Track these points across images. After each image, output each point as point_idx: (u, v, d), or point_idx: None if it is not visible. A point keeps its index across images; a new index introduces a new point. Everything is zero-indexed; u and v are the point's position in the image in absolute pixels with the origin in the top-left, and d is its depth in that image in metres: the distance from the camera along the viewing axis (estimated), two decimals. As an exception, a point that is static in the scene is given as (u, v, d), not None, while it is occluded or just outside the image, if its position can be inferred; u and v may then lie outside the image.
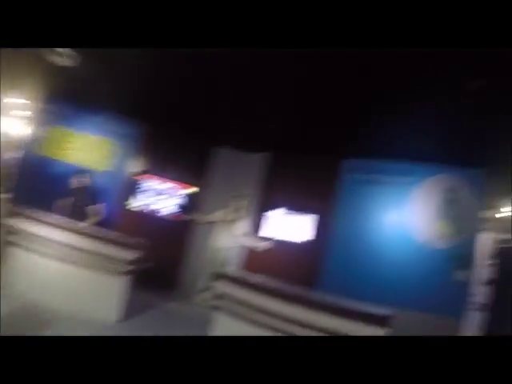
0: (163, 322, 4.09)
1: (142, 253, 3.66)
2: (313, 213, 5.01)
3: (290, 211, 5.16)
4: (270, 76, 3.56)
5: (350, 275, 4.38)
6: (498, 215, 5.46)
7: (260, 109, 4.27)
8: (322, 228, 4.88)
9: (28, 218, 3.65)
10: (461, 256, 4.05)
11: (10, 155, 9.49)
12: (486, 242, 4.34)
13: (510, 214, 5.35)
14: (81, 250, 3.57)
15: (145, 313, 4.02)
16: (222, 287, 3.40)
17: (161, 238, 5.05)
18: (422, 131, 3.58)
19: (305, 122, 4.44)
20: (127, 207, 5.38)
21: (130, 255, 3.62)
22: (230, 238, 4.82)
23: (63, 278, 3.60)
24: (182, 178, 5.56)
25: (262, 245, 4.63)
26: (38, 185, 5.18)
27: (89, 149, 5.37)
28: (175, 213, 5.49)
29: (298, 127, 4.63)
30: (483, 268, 4.22)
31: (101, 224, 4.32)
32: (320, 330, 2.79)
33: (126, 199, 5.38)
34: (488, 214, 4.86)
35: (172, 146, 5.57)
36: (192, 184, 5.55)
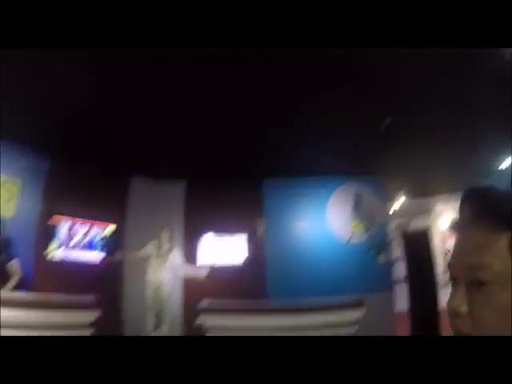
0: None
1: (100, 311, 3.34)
2: (243, 232, 5.30)
3: (220, 234, 5.32)
4: (180, 102, 3.62)
5: (291, 280, 4.84)
6: (395, 208, 6.67)
7: (174, 136, 4.27)
8: (254, 243, 5.22)
9: None
10: (376, 244, 5.08)
11: None
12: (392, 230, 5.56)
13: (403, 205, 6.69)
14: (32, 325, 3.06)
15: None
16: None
17: (92, 288, 4.34)
18: (330, 147, 4.35)
19: (221, 147, 4.59)
20: (46, 257, 4.50)
21: (88, 317, 3.31)
22: (165, 271, 4.60)
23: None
24: (98, 215, 4.95)
25: (202, 272, 4.62)
26: None
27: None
28: (100, 256, 4.90)
29: (214, 153, 4.75)
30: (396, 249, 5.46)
31: (21, 282, 3.68)
32: (305, 328, 3.21)
33: (43, 248, 4.49)
34: (388, 208, 6.05)
35: (83, 180, 4.86)
36: (111, 220, 5.02)
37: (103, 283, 4.71)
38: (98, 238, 4.90)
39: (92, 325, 3.28)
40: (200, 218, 5.26)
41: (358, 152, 4.60)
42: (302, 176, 5.25)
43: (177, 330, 4.90)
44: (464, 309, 0.45)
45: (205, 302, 3.52)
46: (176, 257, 4.71)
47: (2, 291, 3.42)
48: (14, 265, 3.61)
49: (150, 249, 4.65)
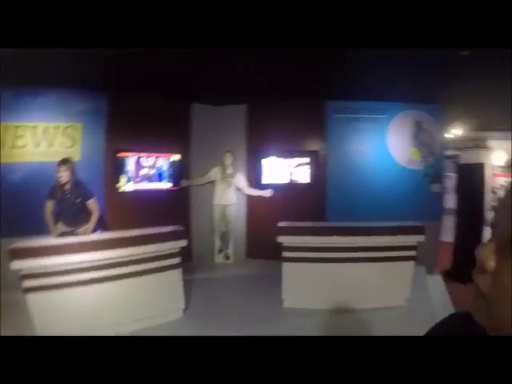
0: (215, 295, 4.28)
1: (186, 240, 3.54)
2: (305, 154, 5.35)
3: (282, 156, 5.37)
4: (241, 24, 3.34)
5: (350, 202, 5.03)
6: (453, 139, 6.53)
7: (234, 59, 3.86)
8: (316, 165, 5.29)
9: (33, 252, 2.93)
10: (433, 173, 5.12)
11: None
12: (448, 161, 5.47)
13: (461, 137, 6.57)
14: (125, 262, 3.26)
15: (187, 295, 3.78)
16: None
17: (163, 213, 4.81)
18: (393, 74, 4.09)
19: (284, 68, 4.23)
20: (119, 191, 4.83)
21: (176, 245, 3.47)
22: (230, 194, 5.04)
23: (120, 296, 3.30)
24: (163, 147, 5.07)
25: (267, 192, 4.95)
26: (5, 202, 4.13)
27: (47, 139, 4.49)
28: (168, 185, 5.16)
29: (276, 75, 4.43)
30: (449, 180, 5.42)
31: (101, 218, 3.93)
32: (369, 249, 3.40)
33: (114, 183, 4.79)
34: (446, 139, 5.89)
35: (143, 113, 4.87)
36: (175, 151, 5.15)
37: (172, 212, 5.03)
38: (163, 169, 5.13)
39: (176, 254, 3.52)
40: (262, 140, 5.34)
41: (422, 79, 4.34)
42: (364, 100, 5.08)
43: (241, 252, 5.42)
44: (491, 265, 0.36)
45: (282, 223, 3.80)
46: (240, 180, 5.06)
47: (84, 232, 3.62)
48: (93, 203, 3.65)
49: (214, 174, 5.05)
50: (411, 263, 3.67)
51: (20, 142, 4.45)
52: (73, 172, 3.58)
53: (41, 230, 3.68)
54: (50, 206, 3.63)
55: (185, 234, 3.54)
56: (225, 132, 5.37)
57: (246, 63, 4.01)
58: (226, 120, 5.40)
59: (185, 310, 3.61)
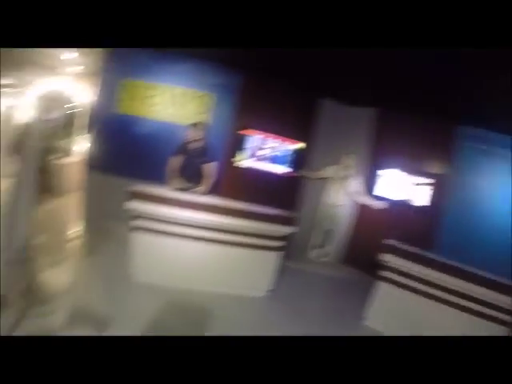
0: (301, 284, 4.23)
1: (296, 227, 3.51)
2: (427, 176, 4.84)
3: (404, 172, 4.92)
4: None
5: (464, 239, 4.50)
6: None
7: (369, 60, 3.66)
8: (436, 191, 4.77)
9: (151, 198, 3.21)
10: None
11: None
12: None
13: None
14: (229, 230, 3.34)
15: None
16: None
17: (271, 196, 4.72)
18: None
19: (421, 81, 3.94)
20: (235, 164, 4.96)
21: (283, 230, 3.45)
22: (342, 195, 4.88)
23: (210, 259, 3.43)
24: (288, 133, 5.05)
25: (377, 203, 4.69)
26: (131, 149, 4.74)
27: (180, 103, 4.76)
28: (285, 169, 5.16)
29: (413, 83, 4.06)
30: None
31: (214, 185, 4.08)
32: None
33: (232, 156, 4.93)
34: None
35: (275, 97, 4.95)
36: (298, 139, 5.10)
37: (283, 197, 5.02)
38: (285, 154, 5.10)
39: (281, 238, 3.49)
40: (388, 150, 5.03)
41: None
42: (502, 133, 4.45)
43: (340, 254, 5.23)
44: None
45: (390, 241, 3.52)
46: (356, 184, 4.85)
47: (199, 192, 3.78)
48: (213, 167, 3.86)
49: (331, 172, 4.92)
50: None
51: (152, 101, 4.75)
52: (203, 134, 3.83)
53: (159, 180, 3.90)
54: (174, 161, 3.87)
55: (295, 221, 3.50)
56: (351, 133, 5.20)
57: (389, 67, 3.74)
58: (354, 121, 5.22)
59: (269, 291, 3.63)
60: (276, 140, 5.04)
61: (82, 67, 6.57)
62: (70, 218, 5.36)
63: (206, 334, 2.69)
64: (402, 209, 4.79)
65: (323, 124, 5.23)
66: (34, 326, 2.54)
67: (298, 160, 5.13)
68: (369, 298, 3.49)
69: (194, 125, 3.83)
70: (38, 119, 8.44)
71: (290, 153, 5.11)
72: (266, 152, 5.03)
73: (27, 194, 3.84)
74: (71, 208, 5.49)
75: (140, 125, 4.78)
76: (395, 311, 3.34)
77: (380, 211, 4.69)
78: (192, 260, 3.39)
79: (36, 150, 3.98)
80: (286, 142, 5.08)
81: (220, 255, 3.40)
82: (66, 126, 8.84)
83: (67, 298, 3.08)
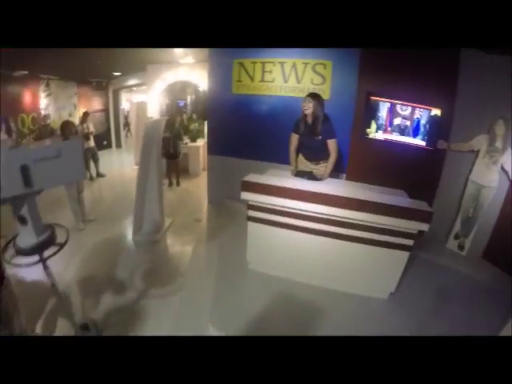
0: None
1: (428, 225, 2.71)
2: None
3: None
4: None
5: None
6: None
7: None
8: None
9: (263, 188, 2.95)
10: None
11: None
12: None
13: None
14: (354, 224, 2.86)
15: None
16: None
17: (408, 172, 4.08)
18: None
19: None
20: (367, 136, 4.31)
21: (416, 227, 2.73)
22: (495, 174, 3.77)
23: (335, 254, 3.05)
24: (421, 98, 4.06)
25: None
26: (250, 129, 4.65)
27: (298, 75, 4.31)
28: (421, 142, 4.19)
29: None
30: None
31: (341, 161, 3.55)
32: None
33: (363, 128, 4.29)
34: None
35: (400, 56, 3.89)
36: (435, 105, 4.04)
37: (419, 173, 4.17)
38: (419, 123, 4.13)
39: (412, 235, 2.80)
40: None
41: None
42: None
43: (479, 248, 4.12)
44: None
45: None
46: (509, 159, 3.68)
47: (323, 171, 3.43)
48: (334, 144, 3.37)
49: (479, 143, 3.84)
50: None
51: (268, 77, 4.43)
52: (319, 107, 3.29)
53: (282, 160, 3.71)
54: (294, 139, 3.53)
55: (430, 216, 2.65)
56: (500, 91, 3.77)
57: None
58: (503, 75, 3.73)
59: (392, 293, 3.08)
60: (407, 107, 4.11)
61: (192, 57, 6.70)
62: (199, 200, 5.56)
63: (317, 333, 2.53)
64: None
65: (465, 82, 3.96)
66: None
67: (437, 130, 4.07)
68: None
69: (310, 95, 3.31)
70: (169, 107, 9.26)
71: (428, 120, 4.09)
72: (399, 121, 4.16)
73: (156, 180, 4.08)
74: (200, 190, 5.70)
75: (258, 103, 4.60)
76: None
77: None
78: (310, 254, 3.09)
79: (159, 139, 4.21)
80: (419, 109, 4.08)
81: (344, 251, 2.99)
82: (194, 111, 9.45)
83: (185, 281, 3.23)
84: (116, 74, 9.43)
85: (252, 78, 4.50)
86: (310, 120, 3.35)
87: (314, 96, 3.30)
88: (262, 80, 4.45)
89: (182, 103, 10.07)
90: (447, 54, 3.84)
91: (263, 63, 4.41)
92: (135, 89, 10.79)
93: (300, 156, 3.64)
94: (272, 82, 4.42)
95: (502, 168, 3.72)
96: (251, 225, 3.16)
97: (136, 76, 9.26)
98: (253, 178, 3.08)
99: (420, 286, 3.35)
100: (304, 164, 3.61)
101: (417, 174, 4.15)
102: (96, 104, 10.03)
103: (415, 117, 4.08)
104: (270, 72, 4.40)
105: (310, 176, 3.35)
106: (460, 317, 2.91)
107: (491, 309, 3.02)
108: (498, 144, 3.68)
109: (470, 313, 2.97)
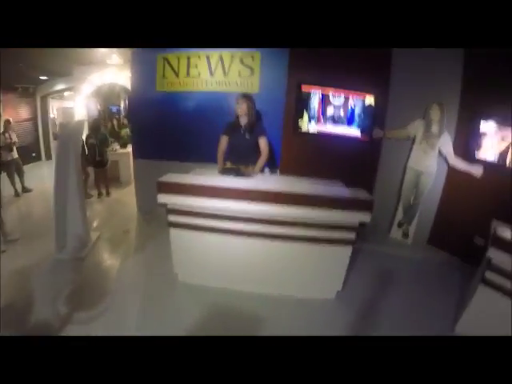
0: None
1: (370, 215, 2.51)
2: None
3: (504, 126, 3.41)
4: None
5: None
6: None
7: None
8: None
9: (184, 189, 2.58)
10: None
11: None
12: None
13: None
14: (291, 221, 2.59)
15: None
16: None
17: (344, 165, 3.94)
18: None
19: None
20: (300, 130, 4.05)
21: (361, 218, 2.50)
22: (433, 159, 3.70)
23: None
24: (354, 85, 3.89)
25: (477, 169, 3.42)
26: (177, 129, 4.25)
27: (224, 68, 4.00)
28: (356, 132, 4.03)
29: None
30: None
31: (273, 158, 3.32)
32: None
33: (295, 121, 4.02)
34: None
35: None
36: (368, 91, 3.91)
37: (356, 165, 4.04)
38: (354, 112, 3.96)
39: (352, 228, 2.60)
40: (481, 99, 3.50)
41: None
42: None
43: (423, 234, 4.08)
44: None
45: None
46: (447, 143, 3.62)
47: (249, 172, 3.10)
48: (264, 142, 3.16)
49: (416, 127, 3.75)
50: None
51: (194, 72, 4.07)
52: (252, 107, 3.17)
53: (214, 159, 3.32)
54: (224, 140, 3.26)
55: (371, 205, 2.47)
56: (433, 78, 3.76)
57: None
58: (436, 63, 3.71)
59: (339, 291, 2.87)
60: (340, 95, 3.93)
61: (118, 57, 6.23)
62: (129, 209, 5.11)
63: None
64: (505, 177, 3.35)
65: (398, 67, 3.89)
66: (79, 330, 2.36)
67: (371, 118, 3.96)
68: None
69: (244, 97, 3.17)
70: (101, 113, 8.58)
71: (361, 109, 3.96)
72: (332, 111, 3.98)
73: (76, 192, 3.61)
74: (132, 198, 5.22)
75: (184, 100, 4.21)
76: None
77: (477, 180, 3.45)
78: (244, 259, 2.78)
79: (78, 144, 3.75)
80: (352, 97, 3.92)
81: (282, 252, 2.71)
82: (126, 116, 8.84)
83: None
84: (42, 78, 8.60)
85: (177, 74, 4.11)
86: (243, 121, 3.20)
87: (247, 96, 3.18)
88: (188, 75, 4.08)
89: (114, 109, 9.43)
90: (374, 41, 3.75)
91: (188, 57, 4.05)
92: (66, 94, 9.97)
93: (230, 160, 3.33)
94: (198, 76, 4.06)
95: (440, 152, 3.67)
96: (174, 231, 2.76)
97: (63, 80, 8.51)
98: (171, 177, 2.68)
99: (368, 279, 3.18)
100: (233, 167, 3.29)
101: (354, 166, 4.03)
102: (23, 112, 9.08)
103: (349, 105, 3.93)
104: (196, 66, 4.05)
105: (238, 172, 3.00)
106: (414, 305, 2.80)
107: (444, 294, 2.97)
108: (434, 129, 3.62)
109: (424, 300, 2.88)
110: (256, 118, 3.26)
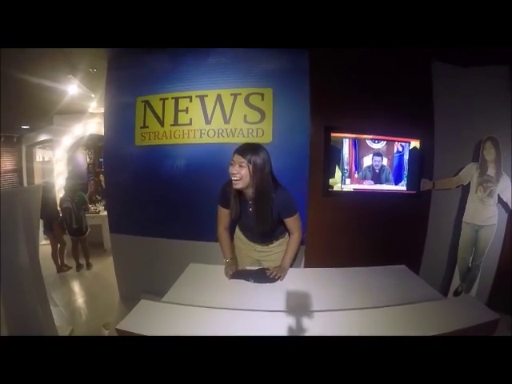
0: None
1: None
2: None
3: None
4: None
5: None
6: None
7: None
8: None
9: None
10: None
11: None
12: None
13: None
14: None
15: None
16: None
17: (386, 225, 3.06)
18: None
19: None
20: (330, 189, 3.01)
21: None
22: (492, 208, 2.92)
23: None
24: (394, 131, 3.00)
25: None
26: (157, 199, 3.18)
27: (225, 112, 2.95)
28: (400, 185, 3.11)
29: None
30: None
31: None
32: None
33: (324, 179, 2.97)
34: None
35: (358, 76, 2.95)
36: (410, 136, 3.03)
37: (403, 227, 3.10)
38: (402, 160, 3.07)
39: None
40: None
41: None
42: None
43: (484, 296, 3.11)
44: None
45: None
46: (506, 187, 2.87)
47: (277, 275, 1.84)
48: (294, 222, 1.92)
49: (468, 174, 2.99)
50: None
51: (184, 118, 3.03)
52: (260, 172, 1.71)
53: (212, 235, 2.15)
54: (223, 214, 1.98)
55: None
56: (481, 107, 2.96)
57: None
58: (481, 89, 2.95)
59: None
60: (380, 140, 2.97)
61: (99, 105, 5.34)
62: (112, 290, 3.96)
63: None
64: None
65: (439, 103, 3.00)
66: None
67: (418, 167, 3.06)
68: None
69: (243, 153, 1.70)
70: (90, 166, 7.59)
71: (402, 157, 3.02)
72: (369, 162, 2.99)
73: (31, 273, 2.53)
74: (111, 274, 4.08)
75: (171, 157, 3.11)
76: None
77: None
78: None
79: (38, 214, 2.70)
80: (394, 143, 2.97)
81: None
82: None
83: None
84: (24, 127, 7.77)
85: (162, 122, 3.07)
86: (242, 189, 1.78)
87: (249, 151, 1.71)
88: (176, 123, 3.04)
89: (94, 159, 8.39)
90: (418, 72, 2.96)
91: (176, 99, 3.04)
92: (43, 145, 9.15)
93: (238, 232, 2.17)
94: (189, 124, 3.01)
95: (500, 199, 2.89)
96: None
97: (44, 131, 7.66)
98: (142, 307, 1.45)
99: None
100: (246, 245, 2.15)
101: (399, 227, 3.09)
102: (7, 163, 8.22)
103: (394, 151, 2.96)
104: (186, 111, 3.03)
105: (258, 276, 1.83)
106: None
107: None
108: (491, 171, 2.87)
109: None
110: (268, 183, 1.77)
